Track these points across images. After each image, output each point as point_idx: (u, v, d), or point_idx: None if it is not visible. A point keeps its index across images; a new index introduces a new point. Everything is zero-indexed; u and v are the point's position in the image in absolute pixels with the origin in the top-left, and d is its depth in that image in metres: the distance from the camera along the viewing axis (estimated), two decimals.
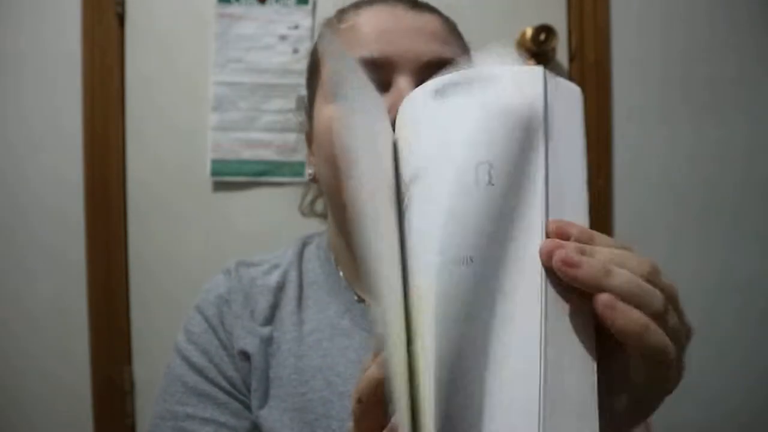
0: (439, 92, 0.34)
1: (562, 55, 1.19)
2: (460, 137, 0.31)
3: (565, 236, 0.28)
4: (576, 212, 0.30)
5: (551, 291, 0.27)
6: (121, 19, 1.13)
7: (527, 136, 0.30)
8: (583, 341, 0.27)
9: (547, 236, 0.28)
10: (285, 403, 0.51)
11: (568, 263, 0.27)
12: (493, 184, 0.29)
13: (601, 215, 1.17)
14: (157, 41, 1.14)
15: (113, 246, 1.12)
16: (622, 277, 0.27)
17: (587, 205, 0.31)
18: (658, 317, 0.27)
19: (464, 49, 0.56)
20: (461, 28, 0.57)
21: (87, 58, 1.12)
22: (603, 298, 0.26)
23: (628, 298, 0.26)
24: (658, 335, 0.26)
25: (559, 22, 1.18)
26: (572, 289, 0.27)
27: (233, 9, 1.15)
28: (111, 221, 1.12)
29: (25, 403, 1.11)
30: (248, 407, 0.53)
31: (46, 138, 1.13)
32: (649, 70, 1.21)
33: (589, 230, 0.29)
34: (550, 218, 0.29)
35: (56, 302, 1.12)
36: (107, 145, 1.13)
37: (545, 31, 1.14)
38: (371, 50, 0.49)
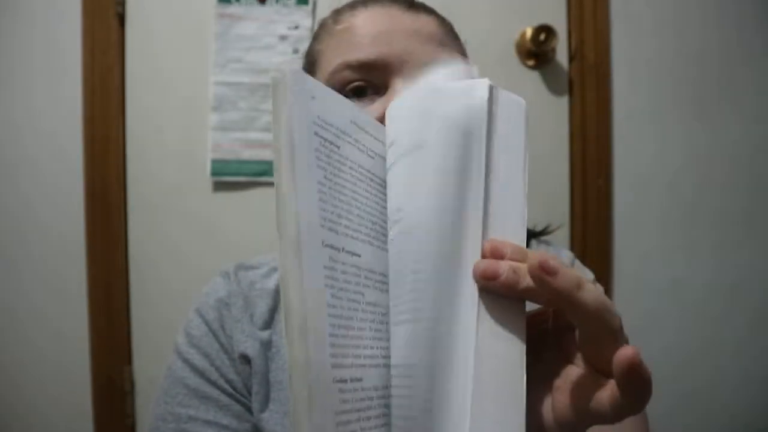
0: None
1: (562, 55, 1.19)
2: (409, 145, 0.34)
3: (499, 255, 0.29)
4: (513, 227, 0.31)
5: (483, 309, 0.29)
6: (121, 19, 1.13)
7: (468, 147, 0.32)
8: (513, 347, 0.30)
9: (483, 256, 0.29)
10: (285, 406, 0.51)
11: (546, 269, 0.27)
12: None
13: (601, 215, 1.17)
14: (157, 41, 1.14)
15: (113, 246, 1.12)
16: (592, 292, 0.27)
17: (525, 219, 0.32)
18: (620, 332, 0.28)
19: (461, 51, 0.55)
20: (461, 28, 0.57)
21: (87, 58, 1.12)
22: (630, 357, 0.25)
23: (596, 314, 0.27)
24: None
25: (559, 22, 1.18)
26: (503, 305, 0.29)
27: (233, 9, 1.15)
28: (111, 221, 1.12)
29: (24, 403, 1.11)
30: (249, 410, 0.53)
31: (45, 138, 1.13)
32: (649, 70, 1.21)
33: (523, 248, 0.30)
34: (488, 237, 0.30)
35: (56, 302, 1.12)
36: (107, 145, 1.13)
37: (545, 31, 1.14)
38: (367, 52, 0.49)
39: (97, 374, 1.11)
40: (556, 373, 0.31)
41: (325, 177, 0.32)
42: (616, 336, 0.27)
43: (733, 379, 1.19)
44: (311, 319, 0.28)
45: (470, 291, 0.29)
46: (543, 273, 0.27)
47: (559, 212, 1.17)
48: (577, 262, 0.62)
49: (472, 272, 0.29)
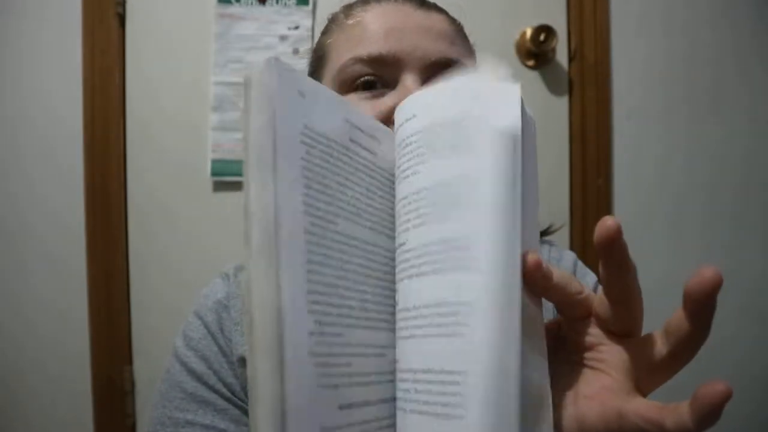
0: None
1: (562, 55, 1.19)
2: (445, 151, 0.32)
3: (538, 268, 0.30)
4: (531, 235, 0.32)
5: (525, 302, 0.30)
6: (121, 19, 1.13)
7: (510, 156, 0.31)
8: (541, 343, 0.31)
9: (525, 266, 0.30)
10: None
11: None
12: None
13: (601, 215, 1.16)
14: (157, 41, 1.14)
15: (113, 246, 1.12)
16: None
17: (538, 227, 0.33)
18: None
19: (470, 51, 0.56)
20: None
21: (87, 58, 1.12)
22: None
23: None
24: None
25: (559, 22, 1.18)
26: (537, 302, 0.31)
27: (233, 9, 1.15)
28: (111, 221, 1.12)
29: (25, 403, 1.11)
30: (247, 414, 0.52)
31: (46, 138, 1.13)
32: (648, 70, 1.21)
33: (549, 266, 0.31)
34: (524, 249, 0.30)
35: (56, 302, 1.12)
36: (107, 145, 1.13)
37: (545, 31, 1.14)
38: (379, 47, 0.49)
39: (97, 374, 1.11)
40: (579, 382, 0.31)
41: (308, 181, 0.29)
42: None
43: (722, 375, 1.19)
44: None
45: (515, 299, 0.29)
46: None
47: (559, 212, 1.17)
48: (580, 264, 0.62)
49: (522, 267, 0.30)
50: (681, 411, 0.26)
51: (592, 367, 0.31)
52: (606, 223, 0.28)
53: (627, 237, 0.29)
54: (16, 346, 1.11)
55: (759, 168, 1.23)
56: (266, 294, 0.26)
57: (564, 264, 0.60)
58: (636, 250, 0.31)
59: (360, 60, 0.49)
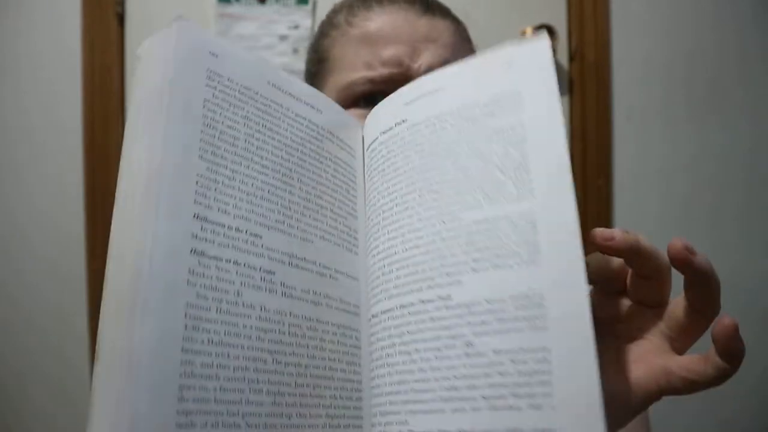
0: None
1: (562, 55, 1.19)
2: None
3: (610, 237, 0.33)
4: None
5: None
6: (120, 18, 1.13)
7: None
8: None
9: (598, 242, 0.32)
10: None
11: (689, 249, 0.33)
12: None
13: (601, 215, 1.17)
14: None
15: None
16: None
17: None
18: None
19: (473, 54, 0.55)
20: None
21: (87, 58, 1.12)
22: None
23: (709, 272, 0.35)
24: None
25: (559, 22, 1.18)
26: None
27: (233, 9, 1.15)
28: (111, 221, 1.12)
29: (24, 405, 1.11)
30: None
31: (45, 138, 1.13)
32: (649, 70, 1.21)
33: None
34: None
35: (56, 303, 1.12)
36: (107, 145, 1.12)
37: (545, 31, 1.14)
38: (390, 68, 0.50)
39: None
40: (620, 350, 0.33)
41: (206, 132, 0.29)
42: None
43: (736, 376, 1.19)
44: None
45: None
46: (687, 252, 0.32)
47: None
48: None
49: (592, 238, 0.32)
50: (714, 357, 0.30)
51: (628, 336, 0.33)
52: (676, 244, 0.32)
53: None
54: (17, 347, 1.11)
55: (761, 168, 1.23)
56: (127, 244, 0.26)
57: None
58: None
59: (371, 80, 0.50)
